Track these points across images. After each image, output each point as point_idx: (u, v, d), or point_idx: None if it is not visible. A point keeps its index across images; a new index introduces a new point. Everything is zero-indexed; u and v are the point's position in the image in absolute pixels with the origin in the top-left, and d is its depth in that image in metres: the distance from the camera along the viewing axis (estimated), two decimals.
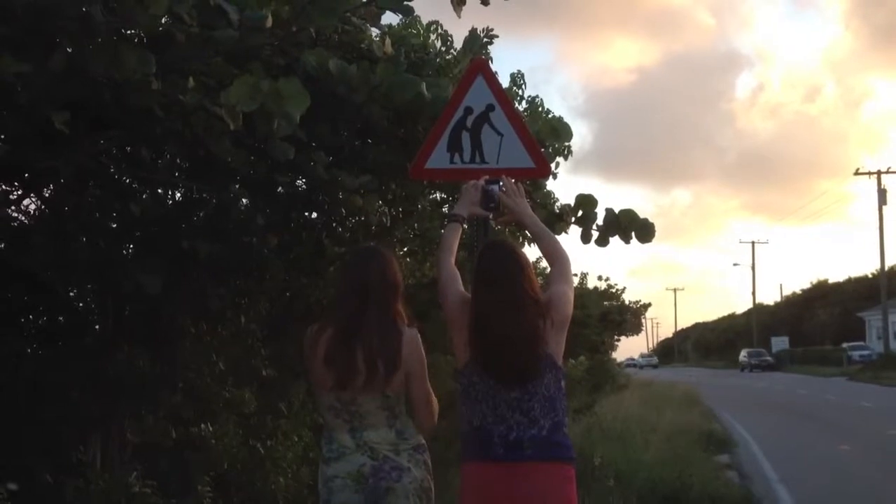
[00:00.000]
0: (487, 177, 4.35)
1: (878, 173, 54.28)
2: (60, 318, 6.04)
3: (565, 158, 7.47)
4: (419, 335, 3.84)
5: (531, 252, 6.34)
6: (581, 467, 8.82)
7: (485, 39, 6.36)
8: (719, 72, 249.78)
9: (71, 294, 5.89)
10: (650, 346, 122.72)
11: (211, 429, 6.60)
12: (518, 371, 3.69)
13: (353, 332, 3.68)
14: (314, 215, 6.26)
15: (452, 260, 4.13)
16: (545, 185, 6.05)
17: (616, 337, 29.27)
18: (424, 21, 6.26)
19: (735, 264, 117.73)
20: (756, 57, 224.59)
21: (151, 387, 6.09)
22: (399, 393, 3.76)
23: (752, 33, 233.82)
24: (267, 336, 6.93)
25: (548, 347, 3.73)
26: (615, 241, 5.46)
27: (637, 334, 31.53)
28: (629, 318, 27.71)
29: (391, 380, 3.69)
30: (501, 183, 4.27)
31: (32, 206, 5.71)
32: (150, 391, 6.08)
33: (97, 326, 6.03)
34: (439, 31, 6.48)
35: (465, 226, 4.35)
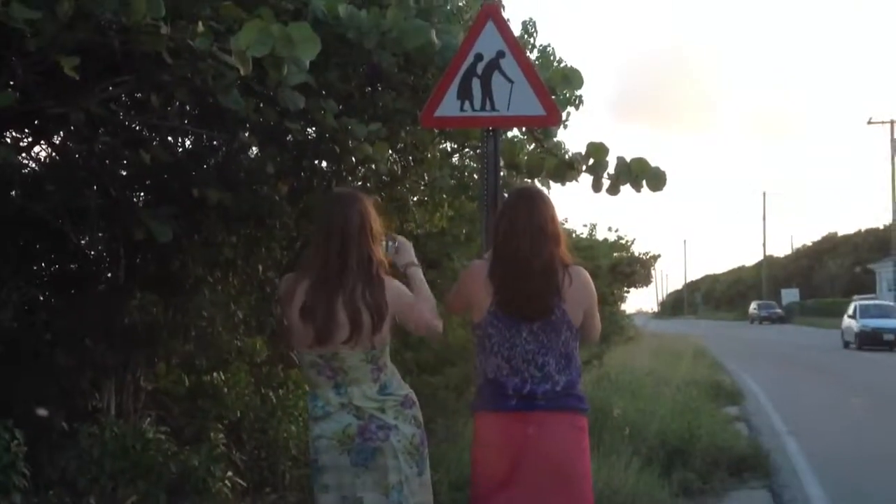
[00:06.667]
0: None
1: (892, 122, 53.87)
2: (72, 266, 6.06)
3: (576, 108, 7.44)
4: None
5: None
6: (596, 418, 8.89)
7: None
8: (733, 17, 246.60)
9: (82, 241, 5.90)
10: (660, 297, 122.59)
11: (223, 377, 6.66)
12: (534, 300, 3.72)
13: (333, 282, 3.54)
14: (324, 164, 6.25)
15: None
16: (556, 133, 6.01)
17: (626, 289, 29.19)
18: None
19: (746, 215, 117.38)
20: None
21: (164, 335, 6.13)
22: (384, 345, 3.66)
23: None
24: None
25: (563, 303, 3.75)
26: (626, 189, 5.45)
27: (647, 286, 31.34)
28: (639, 269, 27.56)
29: (378, 333, 3.58)
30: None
31: (43, 154, 5.73)
32: (162, 339, 6.13)
33: (109, 274, 6.05)
34: None
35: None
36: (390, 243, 3.90)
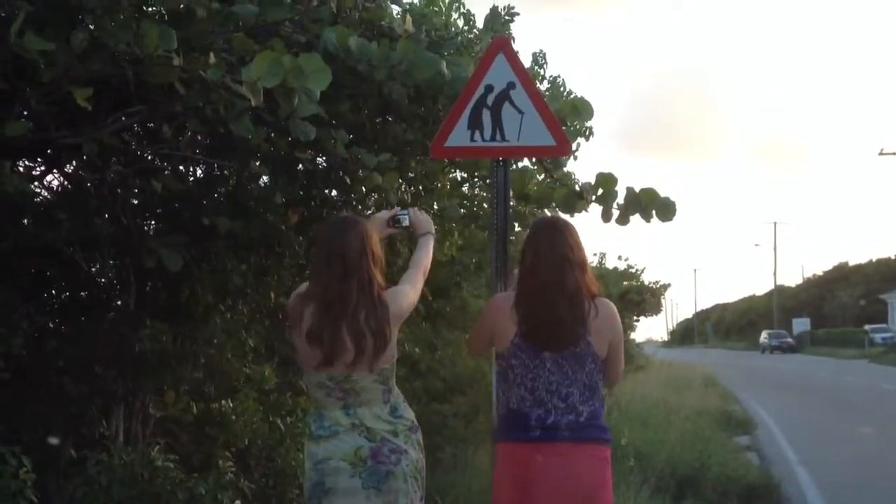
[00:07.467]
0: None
1: None
2: (83, 294, 6.08)
3: (586, 139, 7.45)
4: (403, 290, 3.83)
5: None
6: None
7: (506, 17, 6.34)
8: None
9: (93, 269, 5.93)
10: (670, 326, 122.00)
11: (231, 405, 6.65)
12: (559, 328, 3.73)
13: (336, 308, 3.57)
14: (334, 193, 6.27)
15: None
16: (566, 163, 6.02)
17: (636, 317, 29.10)
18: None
19: (756, 245, 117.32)
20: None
21: (173, 362, 6.14)
22: (392, 364, 3.71)
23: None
24: None
25: (589, 335, 3.76)
26: (635, 219, 5.44)
27: (657, 315, 31.28)
28: (648, 298, 27.47)
29: (380, 357, 3.61)
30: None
31: (55, 183, 5.76)
32: (171, 367, 6.13)
33: (119, 302, 6.07)
34: (461, 9, 6.47)
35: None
36: (404, 216, 4.12)
